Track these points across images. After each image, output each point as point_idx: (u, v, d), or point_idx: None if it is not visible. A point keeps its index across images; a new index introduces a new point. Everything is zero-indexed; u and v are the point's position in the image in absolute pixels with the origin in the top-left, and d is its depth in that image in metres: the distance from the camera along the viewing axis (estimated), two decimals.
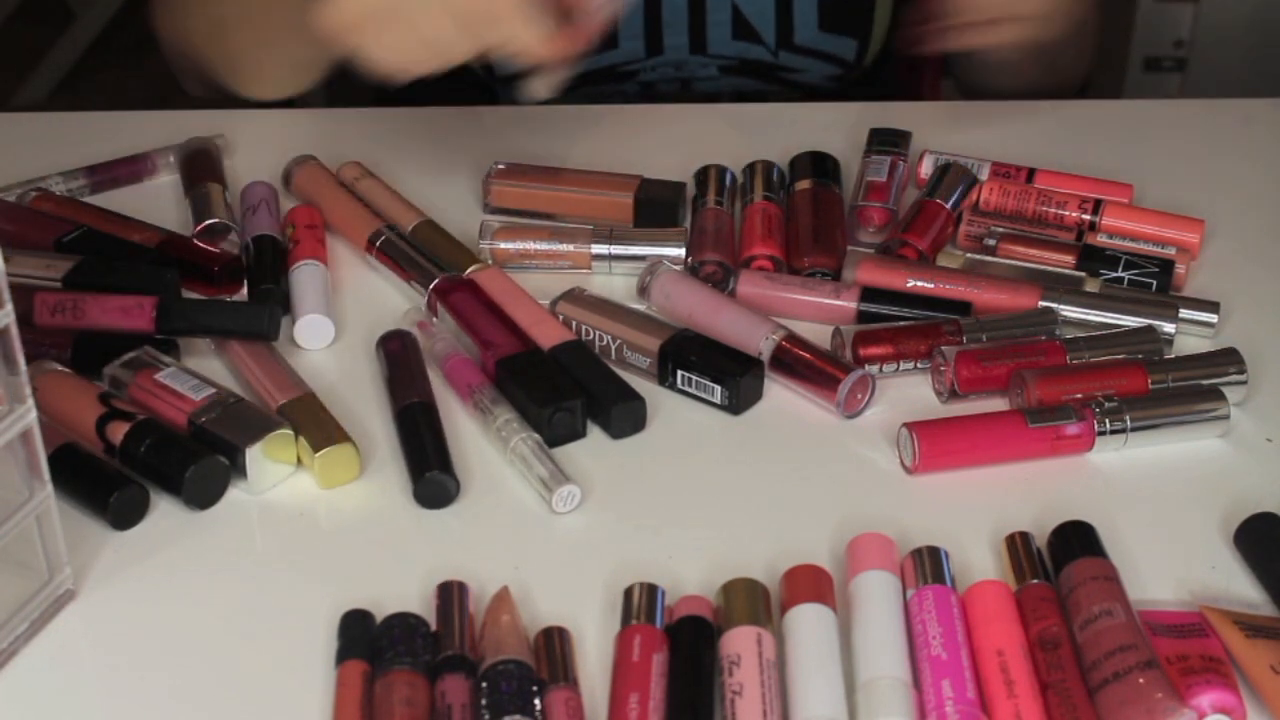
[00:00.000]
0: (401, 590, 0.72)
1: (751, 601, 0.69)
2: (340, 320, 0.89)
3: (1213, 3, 1.78)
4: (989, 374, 0.83)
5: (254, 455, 0.77)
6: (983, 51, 0.97)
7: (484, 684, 0.66)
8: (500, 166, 1.00)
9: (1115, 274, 0.91)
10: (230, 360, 0.85)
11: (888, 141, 1.01)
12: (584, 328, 0.87)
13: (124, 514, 0.76)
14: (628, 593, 0.70)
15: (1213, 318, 0.88)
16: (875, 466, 0.80)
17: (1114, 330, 0.87)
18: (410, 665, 0.66)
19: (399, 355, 0.85)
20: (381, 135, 1.08)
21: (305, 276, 0.90)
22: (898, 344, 0.85)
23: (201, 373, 0.82)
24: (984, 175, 0.98)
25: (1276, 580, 0.72)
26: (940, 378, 0.84)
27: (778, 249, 0.92)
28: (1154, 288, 0.90)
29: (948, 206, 0.94)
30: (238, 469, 0.77)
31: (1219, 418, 0.81)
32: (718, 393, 0.83)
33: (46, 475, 0.69)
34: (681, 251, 0.93)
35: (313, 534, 0.76)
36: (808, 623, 0.68)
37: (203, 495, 0.77)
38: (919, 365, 0.85)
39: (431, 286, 0.89)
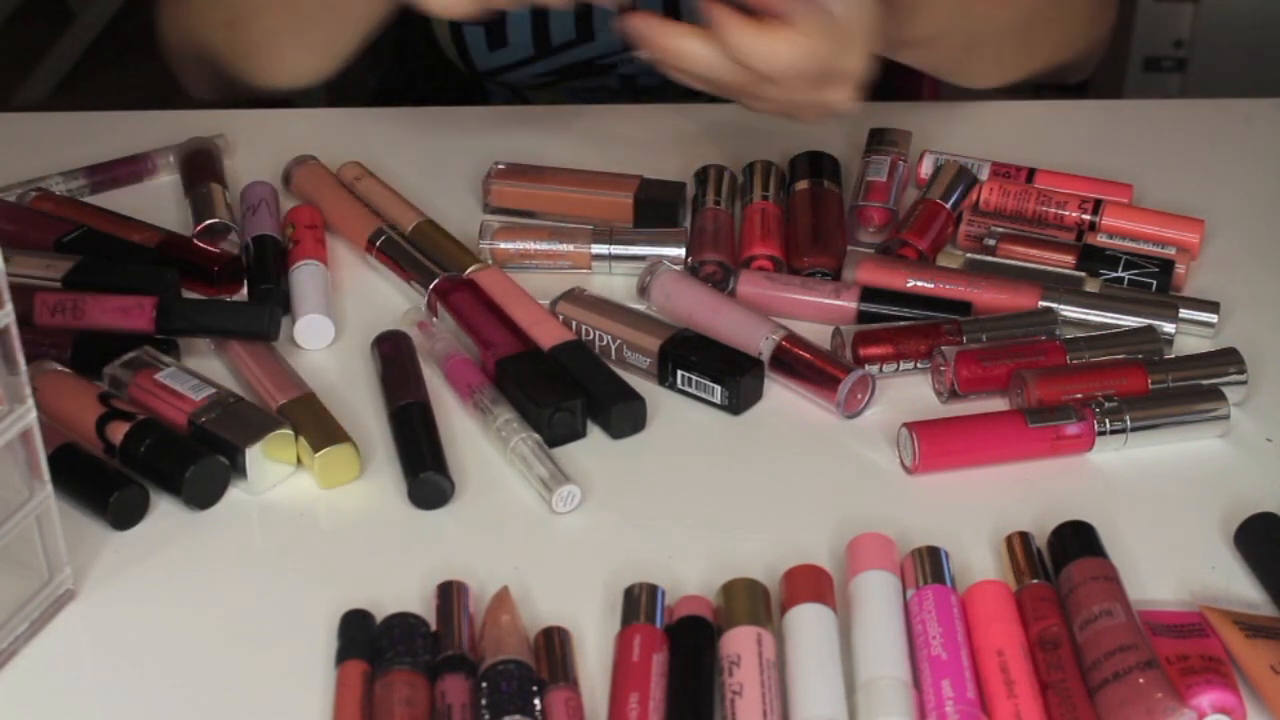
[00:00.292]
0: (401, 590, 0.72)
1: (751, 601, 0.69)
2: (340, 320, 0.89)
3: (1213, 3, 1.78)
4: (989, 374, 0.83)
5: (254, 455, 0.77)
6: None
7: (484, 684, 0.66)
8: (500, 166, 1.00)
9: (1115, 274, 0.91)
10: (230, 360, 0.85)
11: (888, 141, 1.01)
12: (584, 328, 0.87)
13: (124, 514, 0.76)
14: (628, 593, 0.70)
15: (1213, 318, 0.88)
16: (875, 466, 0.80)
17: (1114, 330, 0.87)
18: (410, 665, 0.66)
19: (393, 356, 0.84)
20: (381, 135, 1.08)
21: (305, 276, 0.90)
22: (898, 344, 0.85)
23: (201, 373, 0.82)
24: (984, 175, 0.98)
25: (1276, 580, 0.72)
26: (940, 378, 0.84)
27: (778, 249, 0.92)
28: (1154, 288, 0.91)
29: (948, 206, 0.94)
30: (238, 469, 0.77)
31: (1219, 418, 0.81)
32: (718, 393, 0.83)
33: (46, 475, 0.69)
34: (681, 251, 0.93)
35: (313, 534, 0.76)
36: (808, 623, 0.68)
37: (203, 495, 0.77)
38: (919, 365, 0.85)
39: (431, 286, 0.89)
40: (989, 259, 0.93)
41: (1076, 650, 0.67)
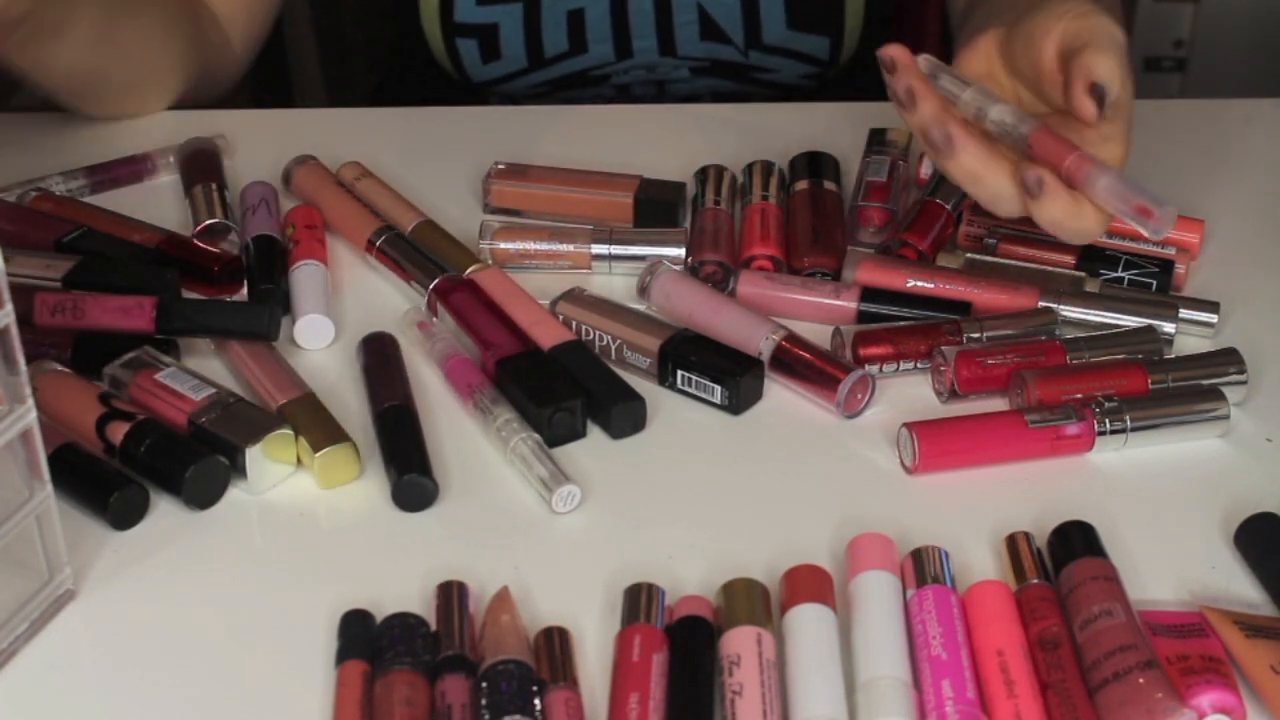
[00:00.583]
0: (401, 590, 0.72)
1: (751, 601, 0.69)
2: (340, 320, 0.89)
3: (1213, 3, 1.78)
4: (989, 374, 0.83)
5: (254, 455, 0.77)
6: None
7: (484, 684, 0.66)
8: (500, 166, 1.00)
9: (1115, 274, 0.91)
10: (230, 360, 0.85)
11: (888, 141, 1.01)
12: (584, 328, 0.87)
13: (124, 514, 0.76)
14: (628, 592, 0.70)
15: (1213, 318, 0.88)
16: (875, 466, 0.80)
17: (1114, 330, 0.87)
18: (410, 665, 0.66)
19: (376, 358, 0.84)
20: (381, 135, 1.08)
21: (305, 276, 0.90)
22: (898, 344, 0.85)
23: (201, 373, 0.82)
24: None
25: (1276, 580, 0.72)
26: (940, 378, 0.84)
27: (777, 249, 0.92)
28: (1154, 288, 0.91)
29: (948, 206, 0.94)
30: (238, 469, 0.77)
31: (1219, 418, 0.81)
32: (718, 393, 0.83)
33: (46, 475, 0.69)
34: (681, 251, 0.93)
35: (313, 534, 0.76)
36: (808, 623, 0.68)
37: (203, 495, 0.77)
38: (919, 365, 0.85)
39: (431, 286, 0.89)
40: (989, 259, 0.93)
41: (1076, 650, 0.67)
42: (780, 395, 0.85)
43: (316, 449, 0.78)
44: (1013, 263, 0.92)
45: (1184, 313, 0.88)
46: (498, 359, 0.83)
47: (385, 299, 0.92)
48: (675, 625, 0.69)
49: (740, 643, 0.67)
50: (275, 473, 0.78)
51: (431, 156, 1.05)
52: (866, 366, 0.84)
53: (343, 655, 0.68)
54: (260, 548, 0.76)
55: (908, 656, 0.67)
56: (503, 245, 0.93)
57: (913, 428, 0.79)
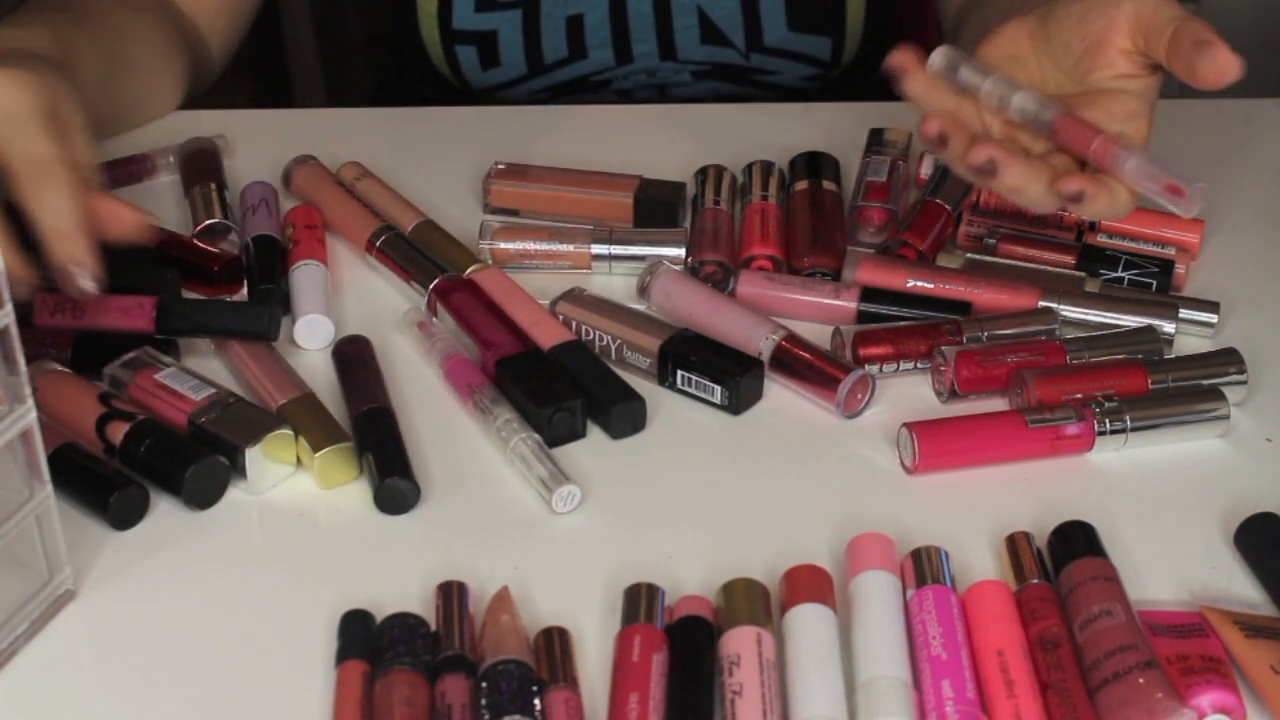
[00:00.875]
0: (401, 590, 0.72)
1: (751, 601, 0.69)
2: (340, 320, 0.89)
3: (1213, 3, 1.78)
4: (989, 374, 0.83)
5: (254, 455, 0.77)
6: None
7: (484, 684, 0.66)
8: (500, 166, 1.00)
9: (1115, 274, 0.91)
10: (230, 360, 0.85)
11: (888, 141, 1.01)
12: (584, 328, 0.87)
13: (124, 514, 0.76)
14: (628, 592, 0.70)
15: (1213, 318, 0.88)
16: (875, 466, 0.80)
17: (1114, 330, 0.87)
18: (410, 665, 0.66)
19: (351, 361, 0.84)
20: (381, 135, 1.08)
21: (305, 276, 0.90)
22: (898, 344, 0.85)
23: (202, 373, 0.82)
24: None
25: (1276, 580, 0.72)
26: (940, 378, 0.84)
27: (777, 249, 0.92)
28: (1154, 288, 0.91)
29: (948, 207, 0.94)
30: (238, 469, 0.77)
31: (1219, 418, 0.81)
32: (718, 393, 0.83)
33: (46, 475, 0.69)
34: (681, 251, 0.93)
35: (313, 534, 0.76)
36: (808, 623, 0.68)
37: (203, 495, 0.77)
38: (919, 365, 0.85)
39: (431, 286, 0.89)
40: (989, 259, 0.93)
41: (1076, 650, 0.67)
42: (780, 395, 0.85)
43: (316, 449, 0.78)
44: (1013, 263, 0.92)
45: (1184, 313, 0.88)
46: (498, 359, 0.83)
47: (385, 299, 0.92)
48: (675, 625, 0.69)
49: (740, 643, 0.67)
50: (275, 473, 0.78)
51: (431, 156, 1.05)
52: (866, 366, 0.84)
53: (343, 655, 0.68)
54: (260, 548, 0.76)
55: (908, 656, 0.67)
56: (503, 245, 0.93)
57: (913, 428, 0.79)
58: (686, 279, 0.90)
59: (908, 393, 0.84)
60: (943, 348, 0.84)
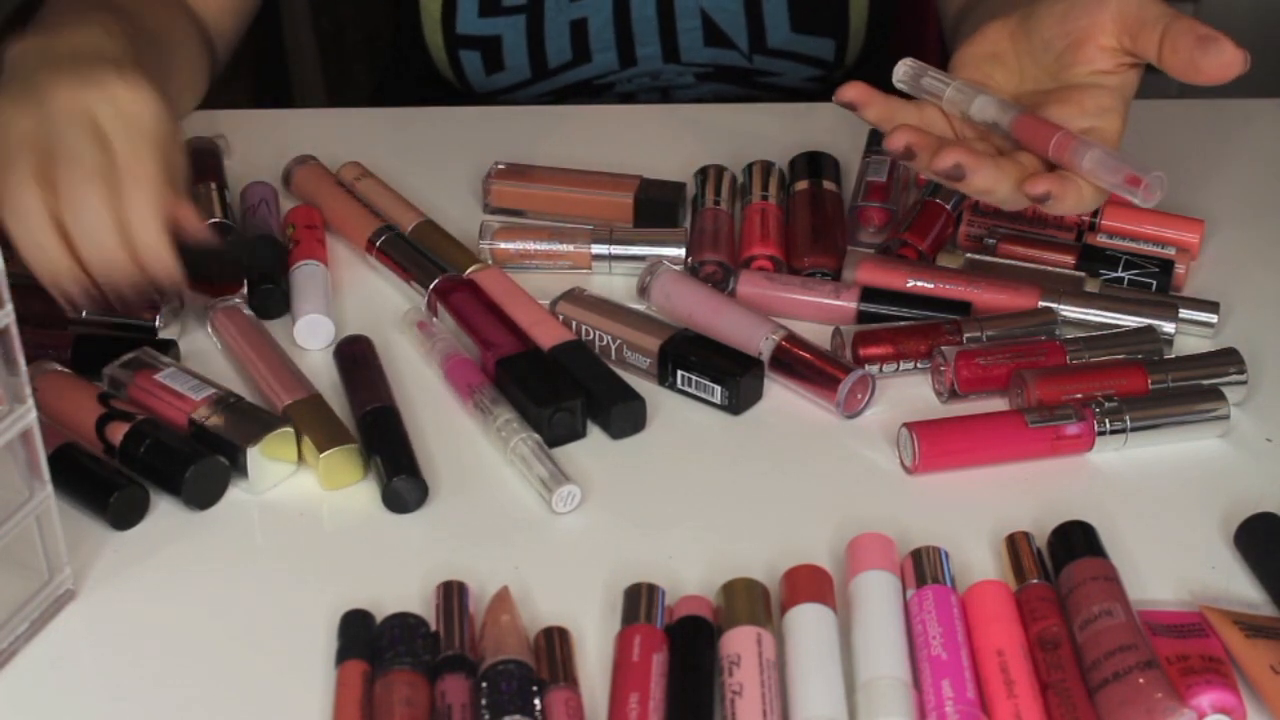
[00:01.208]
0: (401, 590, 0.72)
1: (751, 601, 0.69)
2: (340, 320, 0.89)
3: (1213, 3, 1.78)
4: (989, 374, 0.83)
5: (254, 455, 0.77)
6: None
7: (484, 684, 0.66)
8: (500, 166, 1.00)
9: (1115, 274, 0.91)
10: (237, 360, 0.85)
11: (884, 148, 1.00)
12: (584, 328, 0.87)
13: (124, 514, 0.76)
14: (628, 592, 0.70)
15: (1213, 318, 0.88)
16: (875, 466, 0.80)
17: (1114, 330, 0.87)
18: (410, 665, 0.66)
19: (353, 361, 0.84)
20: (381, 135, 1.08)
21: (305, 276, 0.90)
22: (898, 344, 0.85)
23: (208, 372, 0.82)
24: None
25: (1276, 580, 0.72)
26: (940, 378, 0.84)
27: (777, 249, 0.92)
28: (1154, 288, 0.91)
29: (948, 207, 0.94)
30: (238, 469, 0.77)
31: (1219, 418, 0.81)
32: (718, 393, 0.83)
33: (46, 475, 0.69)
34: (681, 251, 0.93)
35: (313, 534, 0.76)
36: (808, 623, 0.68)
37: (203, 495, 0.77)
38: (919, 365, 0.85)
39: (431, 286, 0.89)
40: (989, 259, 0.93)
41: (1076, 650, 0.67)
42: (780, 395, 0.85)
43: (321, 450, 0.77)
44: (1013, 263, 0.92)
45: (1184, 313, 0.88)
46: (498, 359, 0.83)
47: (385, 299, 0.92)
48: (675, 625, 0.69)
49: (740, 643, 0.67)
50: (275, 473, 0.78)
51: (431, 156, 1.05)
52: (866, 366, 0.84)
53: (343, 655, 0.68)
54: (260, 548, 0.76)
55: (908, 656, 0.67)
56: (503, 245, 0.93)
57: (913, 428, 0.79)
58: (686, 279, 0.90)
59: (908, 393, 0.84)
60: (943, 348, 0.84)
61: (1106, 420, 0.79)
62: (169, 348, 0.85)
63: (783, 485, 0.79)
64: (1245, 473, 0.79)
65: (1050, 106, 0.81)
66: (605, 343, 0.86)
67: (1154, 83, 0.87)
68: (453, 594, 0.70)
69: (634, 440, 0.82)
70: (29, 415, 0.67)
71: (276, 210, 0.97)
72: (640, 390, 0.83)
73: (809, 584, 0.70)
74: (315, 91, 1.71)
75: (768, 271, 0.91)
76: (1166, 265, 0.91)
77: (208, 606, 0.72)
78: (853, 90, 0.84)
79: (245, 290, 0.91)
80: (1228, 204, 0.99)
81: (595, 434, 0.82)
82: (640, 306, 0.90)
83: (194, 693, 0.68)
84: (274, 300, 0.90)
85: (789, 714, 0.65)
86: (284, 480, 0.79)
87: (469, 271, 0.91)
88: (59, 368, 0.82)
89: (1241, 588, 0.73)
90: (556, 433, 0.81)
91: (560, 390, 0.81)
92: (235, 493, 0.78)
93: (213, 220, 0.95)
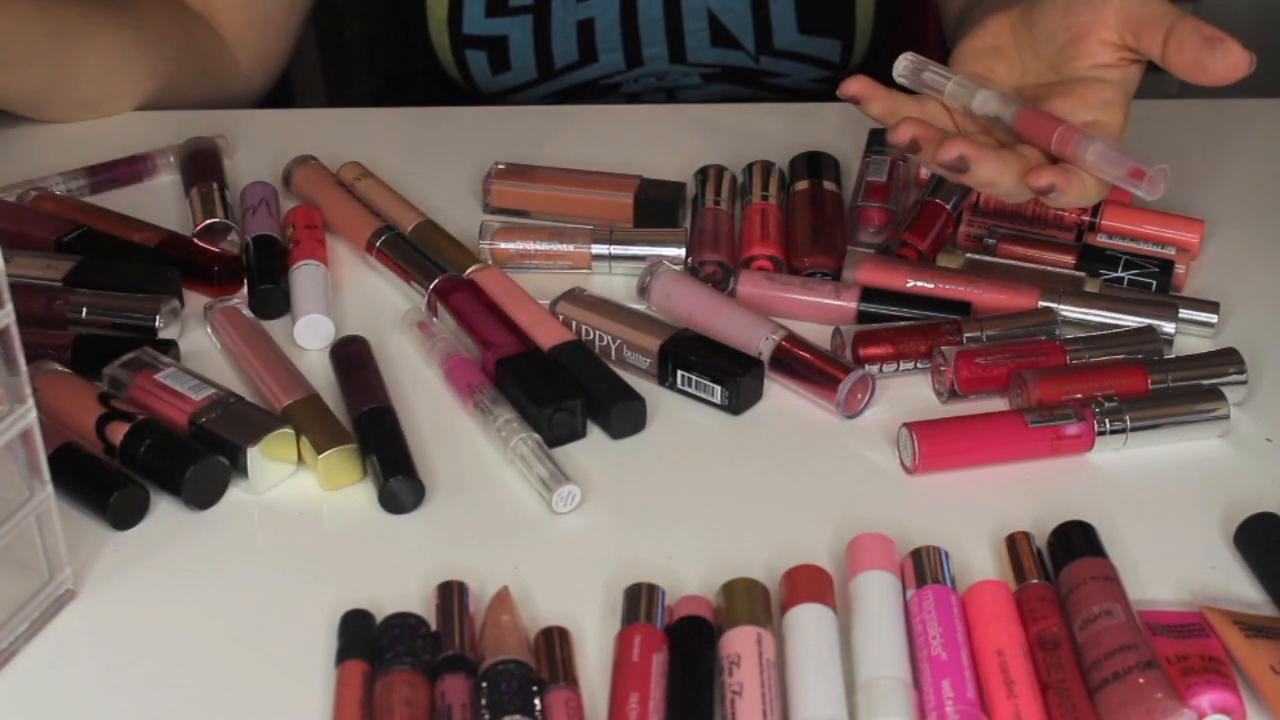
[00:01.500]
0: (401, 590, 0.72)
1: (751, 601, 0.69)
2: (340, 320, 0.89)
3: (1213, 3, 1.78)
4: (989, 374, 0.83)
5: (254, 455, 0.77)
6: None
7: (484, 684, 0.66)
8: (500, 166, 1.00)
9: (1115, 274, 0.91)
10: (236, 361, 0.85)
11: (888, 142, 1.00)
12: (584, 328, 0.87)
13: (124, 514, 0.76)
14: (628, 592, 0.70)
15: (1213, 318, 0.88)
16: (875, 466, 0.80)
17: (1114, 330, 0.87)
18: (410, 665, 0.66)
19: (349, 362, 0.84)
20: (381, 135, 1.08)
21: (305, 276, 0.90)
22: (898, 344, 0.85)
23: (207, 373, 0.82)
24: None
25: (1276, 580, 0.72)
26: (940, 378, 0.84)
27: (777, 249, 0.92)
28: (1154, 288, 0.91)
29: (948, 207, 0.94)
30: (238, 469, 0.77)
31: (1219, 418, 0.81)
32: (718, 393, 0.83)
33: (46, 475, 0.69)
34: (681, 251, 0.93)
35: (313, 534, 0.76)
36: (808, 623, 0.68)
37: (203, 495, 0.77)
38: (919, 365, 0.85)
39: (431, 286, 0.89)
40: (989, 259, 0.93)
41: (1076, 650, 0.67)
42: (780, 395, 0.85)
43: (320, 451, 0.77)
44: (1013, 263, 0.92)
45: (1184, 313, 0.88)
46: (498, 359, 0.83)
47: (385, 299, 0.92)
48: (675, 625, 0.69)
49: (740, 643, 0.67)
50: (275, 473, 0.78)
51: (431, 156, 1.05)
52: (866, 366, 0.84)
53: (343, 655, 0.68)
54: (260, 548, 0.76)
55: (908, 656, 0.67)
56: (503, 245, 0.93)
57: (913, 428, 0.79)
58: (686, 279, 0.90)
59: (908, 393, 0.84)
60: (943, 348, 0.84)
61: (1106, 420, 0.79)
62: (169, 348, 0.85)
63: (783, 485, 0.79)
64: (1245, 473, 0.79)
65: (1052, 100, 0.82)
66: (605, 343, 0.86)
67: (1154, 82, 0.87)
68: (453, 594, 0.70)
69: (634, 440, 0.82)
70: (29, 415, 0.67)
71: (276, 210, 0.97)
72: (640, 390, 0.83)
73: (809, 584, 0.70)
74: (315, 91, 1.71)
75: (768, 271, 0.91)
76: (1166, 265, 0.91)
77: (208, 606, 0.72)
78: (856, 84, 0.84)
79: (245, 290, 0.91)
80: (1228, 204, 0.99)
81: (595, 434, 0.82)
82: (640, 306, 0.90)
83: (194, 693, 0.68)
84: (274, 300, 0.90)
85: (789, 714, 0.65)
86: (284, 480, 0.79)
87: (469, 271, 0.91)
88: (59, 368, 0.82)
89: (1241, 588, 0.73)
90: (556, 433, 0.81)
91: (560, 390, 0.81)
92: (235, 493, 0.78)
93: (213, 220, 0.95)
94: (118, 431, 0.78)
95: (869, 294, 0.89)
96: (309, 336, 0.88)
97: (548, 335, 0.86)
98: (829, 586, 0.70)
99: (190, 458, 0.76)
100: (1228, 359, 0.83)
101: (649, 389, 0.84)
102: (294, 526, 0.77)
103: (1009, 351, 0.84)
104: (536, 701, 0.65)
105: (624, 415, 0.82)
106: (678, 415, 0.83)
